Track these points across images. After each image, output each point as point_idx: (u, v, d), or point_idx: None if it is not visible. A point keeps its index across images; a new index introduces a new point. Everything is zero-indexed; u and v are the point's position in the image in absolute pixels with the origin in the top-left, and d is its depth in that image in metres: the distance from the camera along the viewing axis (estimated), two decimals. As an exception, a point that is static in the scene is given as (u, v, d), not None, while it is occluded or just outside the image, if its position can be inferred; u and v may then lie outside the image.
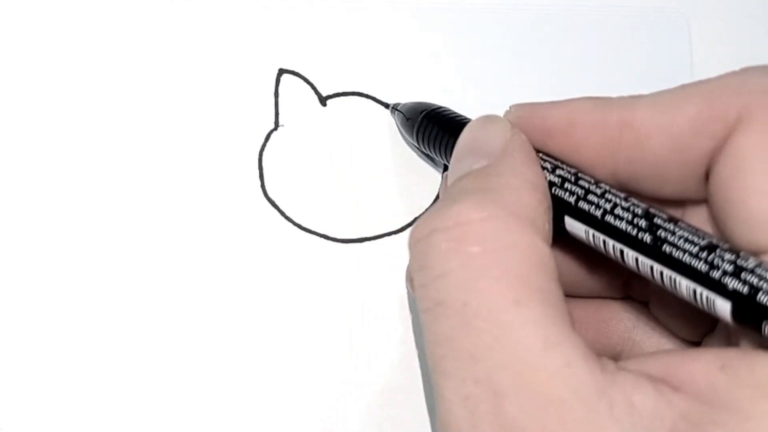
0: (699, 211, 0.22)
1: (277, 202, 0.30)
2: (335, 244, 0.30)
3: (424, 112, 0.28)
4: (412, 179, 0.30)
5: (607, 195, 0.21)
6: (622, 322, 0.25)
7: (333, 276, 0.29)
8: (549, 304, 0.19)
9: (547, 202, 0.22)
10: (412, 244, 0.21)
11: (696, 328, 0.23)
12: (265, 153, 0.30)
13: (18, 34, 0.30)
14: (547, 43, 0.32)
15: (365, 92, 0.31)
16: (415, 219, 0.30)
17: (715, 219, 0.21)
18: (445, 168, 0.30)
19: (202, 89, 0.31)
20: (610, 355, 0.25)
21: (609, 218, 0.21)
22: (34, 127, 0.30)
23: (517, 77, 0.32)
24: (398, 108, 0.30)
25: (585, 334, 0.25)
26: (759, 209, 0.19)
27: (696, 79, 0.31)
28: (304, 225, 0.30)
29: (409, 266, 0.22)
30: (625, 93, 0.31)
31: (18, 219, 0.29)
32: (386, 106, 0.31)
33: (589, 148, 0.22)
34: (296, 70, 0.31)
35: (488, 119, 0.24)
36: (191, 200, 0.29)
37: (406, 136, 0.30)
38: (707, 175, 0.21)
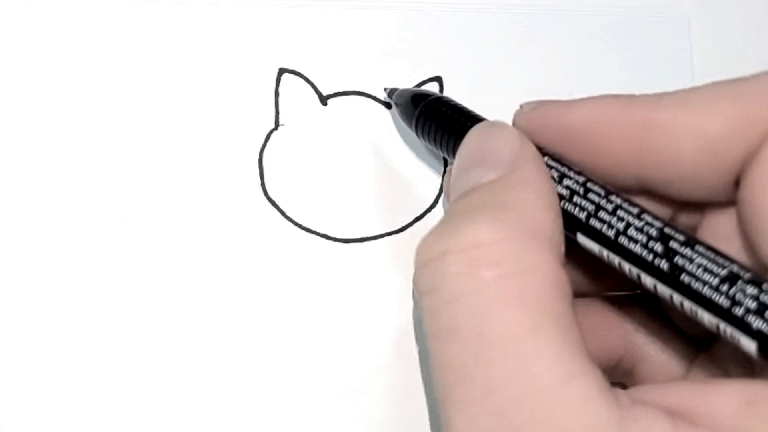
0: (722, 215, 0.21)
1: (277, 202, 0.30)
2: (335, 244, 0.30)
3: (424, 103, 0.27)
4: (413, 179, 0.30)
5: (618, 212, 0.20)
6: (624, 323, 0.24)
7: (333, 276, 0.29)
8: (566, 333, 0.18)
9: (561, 220, 0.21)
10: (422, 264, 0.20)
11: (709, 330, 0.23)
12: (265, 153, 0.30)
13: (18, 34, 0.30)
14: (547, 43, 0.32)
15: (366, 92, 0.31)
16: (416, 219, 0.30)
17: (743, 228, 0.20)
18: (446, 162, 0.30)
19: (202, 89, 0.31)
20: (612, 359, 0.24)
21: (623, 240, 0.20)
22: (33, 127, 0.30)
23: (517, 77, 0.32)
24: (394, 97, 0.29)
25: (586, 339, 0.24)
26: None
27: (696, 79, 0.31)
28: (304, 225, 0.30)
29: (415, 285, 0.20)
30: (626, 93, 0.31)
31: (18, 219, 0.29)
32: (387, 105, 0.31)
33: (612, 149, 0.21)
34: (296, 70, 0.31)
35: (495, 126, 0.23)
36: (191, 200, 0.29)
37: (404, 124, 0.29)
38: (737, 181, 0.20)
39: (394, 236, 0.30)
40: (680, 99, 0.20)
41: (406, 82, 0.31)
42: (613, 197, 0.21)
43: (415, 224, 0.30)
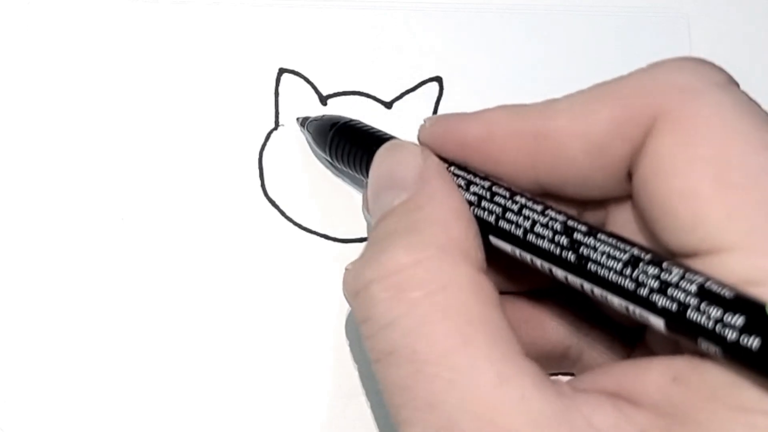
0: (624, 208, 0.22)
1: (277, 202, 0.30)
2: (335, 244, 0.30)
3: (335, 127, 0.28)
4: (413, 179, 0.30)
5: (524, 211, 0.21)
6: (565, 315, 0.25)
7: (333, 276, 0.29)
8: (496, 337, 0.19)
9: (475, 227, 0.21)
10: (351, 297, 0.21)
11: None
12: (265, 153, 0.30)
13: (18, 34, 0.30)
14: (546, 43, 0.32)
15: (366, 92, 0.31)
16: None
17: (643, 220, 0.21)
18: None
19: (202, 89, 0.31)
20: (557, 352, 0.25)
21: (531, 237, 0.21)
22: (33, 127, 0.30)
23: (516, 77, 0.32)
24: (306, 125, 0.30)
25: (528, 335, 0.24)
26: (684, 212, 0.19)
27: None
28: (304, 225, 0.30)
29: (354, 314, 0.21)
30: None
31: (18, 219, 0.29)
32: (387, 105, 0.31)
33: (508, 159, 0.22)
34: (296, 70, 0.31)
35: (395, 146, 0.24)
36: (191, 200, 0.29)
37: (319, 152, 0.30)
38: (629, 176, 0.21)
39: (394, 236, 0.30)
40: (568, 105, 0.21)
41: (407, 82, 0.31)
42: (518, 197, 0.21)
43: (415, 224, 0.30)
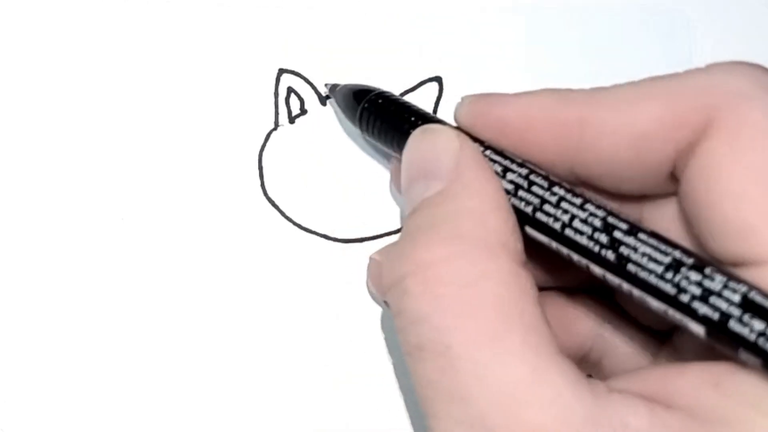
0: (660, 205, 0.22)
1: (277, 202, 0.30)
2: (335, 244, 0.30)
3: (365, 99, 0.27)
4: (413, 179, 0.30)
5: (563, 204, 0.20)
6: (590, 316, 0.25)
7: (333, 276, 0.29)
8: (531, 332, 0.19)
9: (513, 218, 0.21)
10: (386, 291, 0.21)
11: (664, 320, 0.24)
12: (265, 153, 0.30)
13: (18, 34, 0.30)
14: (546, 43, 0.32)
15: (365, 92, 0.31)
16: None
17: (687, 221, 0.20)
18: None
19: (202, 89, 0.31)
20: (579, 353, 0.25)
21: (569, 232, 0.20)
22: (34, 127, 0.30)
23: (516, 77, 0.32)
24: (335, 93, 0.29)
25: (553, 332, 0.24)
26: (733, 219, 0.18)
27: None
28: (304, 225, 0.30)
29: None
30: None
31: (18, 219, 0.29)
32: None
33: (547, 145, 0.21)
34: (296, 70, 0.31)
35: (431, 132, 0.23)
36: (191, 200, 0.29)
37: (347, 121, 0.29)
38: (672, 175, 0.20)
39: (394, 236, 0.30)
40: (615, 96, 0.21)
41: (407, 82, 0.31)
42: (556, 188, 0.21)
43: (415, 224, 0.30)
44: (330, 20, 0.32)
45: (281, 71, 0.31)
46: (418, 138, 0.23)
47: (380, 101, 0.27)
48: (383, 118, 0.26)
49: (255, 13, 0.31)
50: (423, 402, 0.19)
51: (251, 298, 0.29)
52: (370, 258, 0.25)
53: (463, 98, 0.23)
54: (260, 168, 0.30)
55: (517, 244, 0.20)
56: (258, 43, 0.31)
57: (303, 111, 0.31)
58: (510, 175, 0.21)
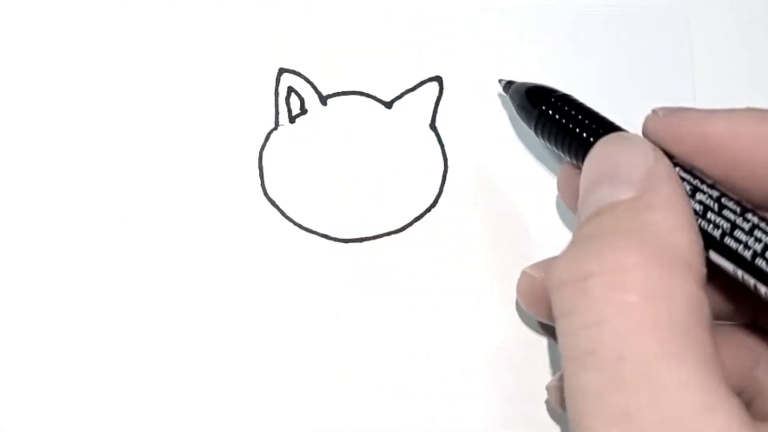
0: None
1: (277, 202, 0.30)
2: (335, 244, 0.30)
3: (543, 103, 0.26)
4: (413, 179, 0.30)
5: (756, 232, 0.19)
6: (746, 355, 0.24)
7: (333, 276, 0.29)
8: (707, 362, 0.18)
9: (700, 240, 0.20)
10: (557, 286, 0.20)
11: None
12: (265, 153, 0.30)
13: (18, 34, 0.30)
14: (546, 43, 0.32)
15: (366, 92, 0.31)
16: (416, 219, 0.30)
17: None
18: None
19: (202, 89, 0.31)
20: (735, 390, 0.23)
21: (761, 262, 0.19)
22: (34, 127, 0.30)
23: (517, 77, 0.32)
24: (511, 92, 0.28)
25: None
26: None
27: (696, 79, 0.31)
28: (304, 225, 0.30)
29: (553, 307, 0.20)
30: (625, 93, 0.31)
31: (18, 219, 0.29)
32: (387, 105, 0.31)
33: (750, 164, 0.20)
34: (296, 70, 0.31)
35: (625, 139, 0.22)
36: (191, 200, 0.29)
37: (521, 120, 0.28)
38: None
39: (394, 236, 0.30)
40: None
41: (407, 81, 0.31)
42: (749, 215, 0.20)
43: (415, 224, 0.30)
44: (330, 20, 0.32)
45: (281, 71, 0.31)
46: (609, 144, 0.22)
47: (562, 105, 0.26)
48: (562, 122, 0.25)
49: (255, 13, 0.31)
50: (578, 413, 0.18)
51: (251, 298, 0.29)
52: (523, 272, 0.24)
53: (654, 110, 0.22)
54: (260, 168, 0.30)
55: (702, 268, 0.19)
56: (258, 43, 0.31)
57: (303, 111, 0.31)
58: (699, 195, 0.21)
